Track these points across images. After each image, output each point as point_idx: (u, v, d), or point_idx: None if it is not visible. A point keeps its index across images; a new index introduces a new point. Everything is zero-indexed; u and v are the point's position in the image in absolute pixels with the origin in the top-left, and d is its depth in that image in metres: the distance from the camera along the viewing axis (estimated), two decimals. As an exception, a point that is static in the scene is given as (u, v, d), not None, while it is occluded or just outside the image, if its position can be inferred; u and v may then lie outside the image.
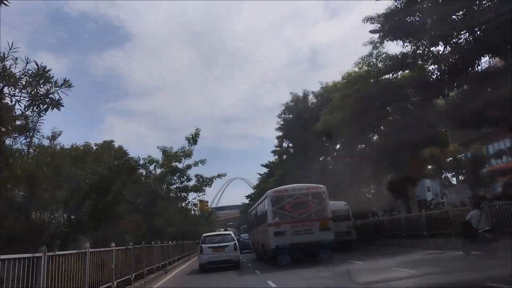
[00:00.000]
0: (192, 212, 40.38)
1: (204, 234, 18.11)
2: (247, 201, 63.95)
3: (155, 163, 26.47)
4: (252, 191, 68.58)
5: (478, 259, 10.54)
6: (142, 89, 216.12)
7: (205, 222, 48.02)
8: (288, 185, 17.14)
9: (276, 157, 42.66)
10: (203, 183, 29.79)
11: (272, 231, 15.28)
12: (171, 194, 27.62)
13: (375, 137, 25.59)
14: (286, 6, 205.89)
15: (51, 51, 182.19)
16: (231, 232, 19.74)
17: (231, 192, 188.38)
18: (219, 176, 30.87)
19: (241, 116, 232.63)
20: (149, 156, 26.20)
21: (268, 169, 47.30)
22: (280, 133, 37.49)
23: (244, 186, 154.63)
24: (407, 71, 20.05)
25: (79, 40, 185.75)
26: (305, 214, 15.38)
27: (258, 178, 57.33)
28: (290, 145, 37.98)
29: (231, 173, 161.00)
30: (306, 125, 30.38)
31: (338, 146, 31.90)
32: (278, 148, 40.54)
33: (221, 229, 44.91)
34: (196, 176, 30.01)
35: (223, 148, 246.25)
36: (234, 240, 17.03)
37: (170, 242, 20.28)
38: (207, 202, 62.02)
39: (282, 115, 36.15)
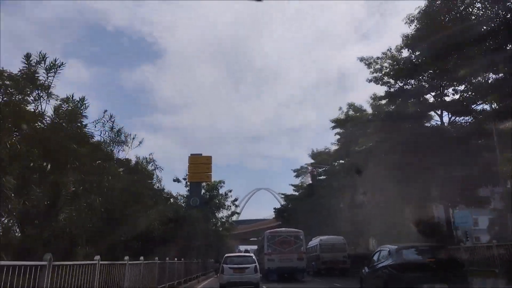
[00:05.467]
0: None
1: (226, 255, 18.25)
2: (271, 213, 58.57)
3: None
4: (278, 204, 64.29)
5: None
6: (169, 105, 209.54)
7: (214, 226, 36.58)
8: (279, 229, 26.53)
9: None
10: None
11: (266, 258, 22.37)
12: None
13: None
14: (316, 28, 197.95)
15: (84, 62, 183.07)
16: (252, 254, 20.03)
17: (257, 205, 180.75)
18: None
19: (265, 135, 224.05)
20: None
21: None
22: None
23: (269, 199, 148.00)
24: None
25: (112, 54, 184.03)
26: (288, 248, 22.35)
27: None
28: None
29: (253, 187, 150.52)
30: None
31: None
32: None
33: (239, 247, 40.82)
34: None
35: (247, 166, 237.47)
36: (255, 263, 16.98)
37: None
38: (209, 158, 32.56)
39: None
